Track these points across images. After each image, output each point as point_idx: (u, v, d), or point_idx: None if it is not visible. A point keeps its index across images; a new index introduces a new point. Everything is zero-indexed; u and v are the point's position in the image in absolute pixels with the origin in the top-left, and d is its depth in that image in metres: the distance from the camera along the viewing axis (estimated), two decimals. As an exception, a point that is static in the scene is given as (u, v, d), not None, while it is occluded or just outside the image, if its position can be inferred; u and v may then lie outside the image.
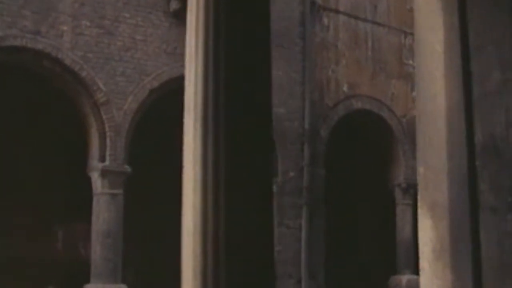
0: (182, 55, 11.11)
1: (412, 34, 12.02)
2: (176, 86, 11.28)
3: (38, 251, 12.23)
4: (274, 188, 12.12)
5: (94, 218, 10.36)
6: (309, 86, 12.56)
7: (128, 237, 11.19)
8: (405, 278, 13.55)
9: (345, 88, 13.39)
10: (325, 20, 13.18)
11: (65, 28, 9.99)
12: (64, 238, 13.06)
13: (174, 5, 11.01)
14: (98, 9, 10.34)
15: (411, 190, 13.42)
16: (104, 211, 10.26)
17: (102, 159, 10.37)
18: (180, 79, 11.25)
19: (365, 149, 14.60)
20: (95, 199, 10.43)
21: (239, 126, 2.65)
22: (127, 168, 10.50)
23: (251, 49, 2.75)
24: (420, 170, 3.91)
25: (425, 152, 3.85)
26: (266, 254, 2.63)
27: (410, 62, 13.70)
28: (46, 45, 9.85)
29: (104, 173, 10.30)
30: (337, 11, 13.37)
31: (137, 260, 12.56)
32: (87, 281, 10.38)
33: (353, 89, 13.51)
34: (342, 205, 14.20)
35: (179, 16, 11.11)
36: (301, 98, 12.47)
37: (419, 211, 3.91)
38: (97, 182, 10.40)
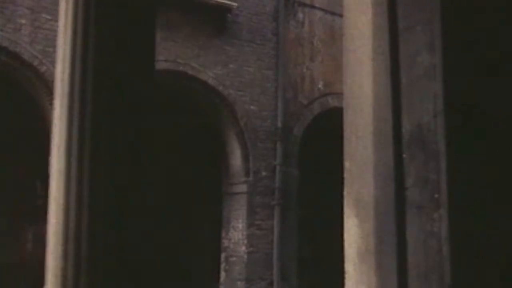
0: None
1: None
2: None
3: (7, 252, 11.90)
4: (245, 188, 11.79)
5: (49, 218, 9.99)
6: (282, 83, 12.24)
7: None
8: (381, 280, 13.20)
9: (320, 86, 13.06)
10: (300, 16, 12.86)
11: (23, 21, 9.65)
12: (34, 239, 12.72)
13: (140, -1, 10.67)
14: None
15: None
16: (64, 211, 9.89)
17: (63, 157, 10.01)
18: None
19: (341, 148, 14.25)
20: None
21: (109, 113, 2.32)
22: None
23: (126, 24, 2.41)
24: (346, 164, 3.59)
25: (351, 145, 3.53)
26: (137, 258, 2.29)
27: (388, 59, 13.36)
28: (4, 39, 9.51)
29: (64, 172, 9.93)
30: (312, 6, 13.05)
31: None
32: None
33: (329, 87, 13.18)
34: (315, 206, 13.86)
35: (146, 10, 10.78)
36: (273, 95, 12.16)
37: (345, 209, 3.58)
38: (57, 181, 10.04)
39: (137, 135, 2.39)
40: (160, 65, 10.93)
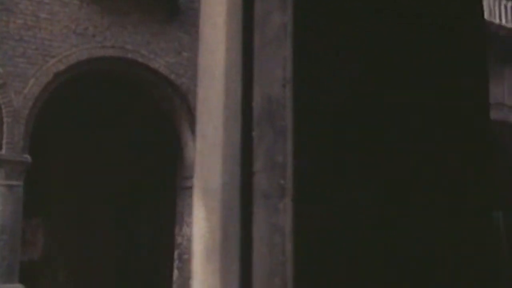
0: (94, 36, 10.26)
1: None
2: (86, 70, 10.43)
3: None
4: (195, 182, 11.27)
5: None
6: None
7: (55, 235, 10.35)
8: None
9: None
10: None
11: None
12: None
13: (86, -18, 10.16)
14: (-5, -17, 9.47)
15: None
16: (-1, 204, 9.39)
17: (-2, 147, 9.51)
18: (91, 62, 10.41)
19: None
20: (-10, 191, 9.57)
21: None
22: (27, 158, 9.63)
23: None
24: (198, 146, 3.04)
25: (202, 123, 2.99)
26: None
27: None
28: None
29: (-1, 163, 9.44)
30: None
31: (68, 259, 11.79)
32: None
33: (292, 78, 12.66)
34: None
35: (92, -6, 10.26)
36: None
37: (194, 199, 3.00)
38: (-8, 173, 9.53)
39: None
40: (107, 51, 10.41)
